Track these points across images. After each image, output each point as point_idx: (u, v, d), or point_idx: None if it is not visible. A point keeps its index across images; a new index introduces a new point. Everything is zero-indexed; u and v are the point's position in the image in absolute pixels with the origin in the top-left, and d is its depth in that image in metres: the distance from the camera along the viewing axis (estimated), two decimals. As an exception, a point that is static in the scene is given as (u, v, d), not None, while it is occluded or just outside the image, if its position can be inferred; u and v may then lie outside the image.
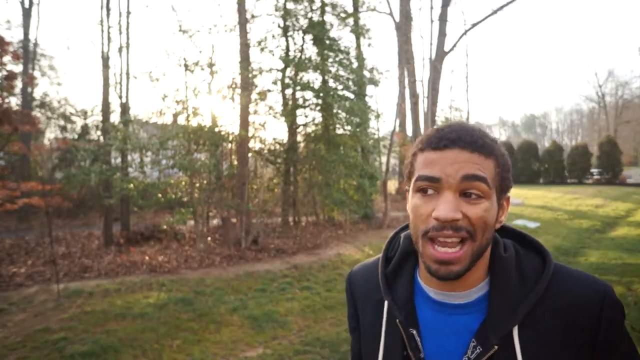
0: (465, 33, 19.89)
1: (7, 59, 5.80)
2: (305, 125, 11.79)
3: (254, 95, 10.39)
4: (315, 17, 11.05)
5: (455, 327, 0.75)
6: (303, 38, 11.16)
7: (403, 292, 0.81)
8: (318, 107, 11.12)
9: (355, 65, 11.26)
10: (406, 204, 0.80)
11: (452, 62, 55.22)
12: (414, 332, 0.77)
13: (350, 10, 12.74)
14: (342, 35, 11.64)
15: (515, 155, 29.57)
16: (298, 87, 10.78)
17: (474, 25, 19.67)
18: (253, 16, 11.08)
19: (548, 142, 49.95)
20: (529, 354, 0.70)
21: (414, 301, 0.80)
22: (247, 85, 9.56)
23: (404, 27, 16.21)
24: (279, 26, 11.17)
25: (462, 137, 0.71)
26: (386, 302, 0.83)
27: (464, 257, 0.69)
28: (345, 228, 11.13)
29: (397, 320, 0.79)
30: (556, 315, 0.71)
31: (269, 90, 11.18)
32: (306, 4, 10.88)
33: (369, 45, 14.72)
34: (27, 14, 12.82)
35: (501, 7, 18.87)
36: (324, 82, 10.91)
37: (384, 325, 0.82)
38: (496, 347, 0.70)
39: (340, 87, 11.10)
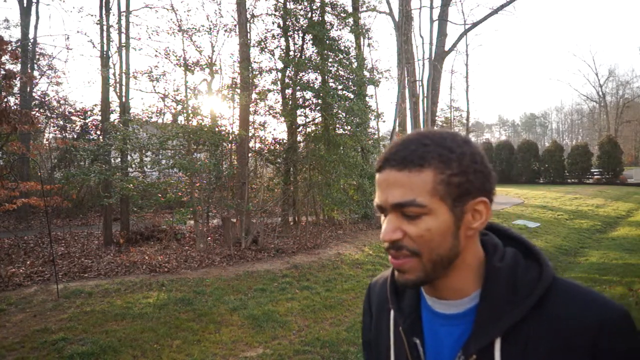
0: (465, 33, 19.90)
1: (5, 58, 5.79)
2: (305, 125, 11.78)
3: (254, 95, 10.37)
4: (315, 17, 11.03)
5: (450, 338, 0.74)
6: (303, 38, 11.15)
7: (409, 301, 0.81)
8: (318, 107, 11.11)
9: (355, 65, 11.24)
10: None
11: (452, 62, 55.14)
12: (417, 341, 0.76)
13: (350, 10, 12.73)
14: (342, 35, 11.64)
15: (515, 155, 29.56)
16: (298, 87, 10.77)
17: (474, 25, 19.67)
18: (253, 16, 11.08)
19: (548, 141, 50.02)
20: None
21: (420, 311, 0.79)
22: (247, 85, 9.54)
23: (403, 27, 16.17)
24: (279, 26, 11.17)
25: (392, 155, 0.70)
26: (392, 312, 0.82)
27: (411, 267, 0.70)
28: (345, 228, 11.11)
29: (400, 328, 0.78)
30: (548, 338, 0.66)
31: (269, 90, 11.17)
32: (306, 4, 10.86)
33: (369, 45, 14.75)
34: (25, 12, 12.80)
35: (501, 7, 18.87)
36: (324, 82, 10.89)
37: (392, 335, 0.82)
38: (474, 356, 0.68)
39: (340, 87, 11.08)
